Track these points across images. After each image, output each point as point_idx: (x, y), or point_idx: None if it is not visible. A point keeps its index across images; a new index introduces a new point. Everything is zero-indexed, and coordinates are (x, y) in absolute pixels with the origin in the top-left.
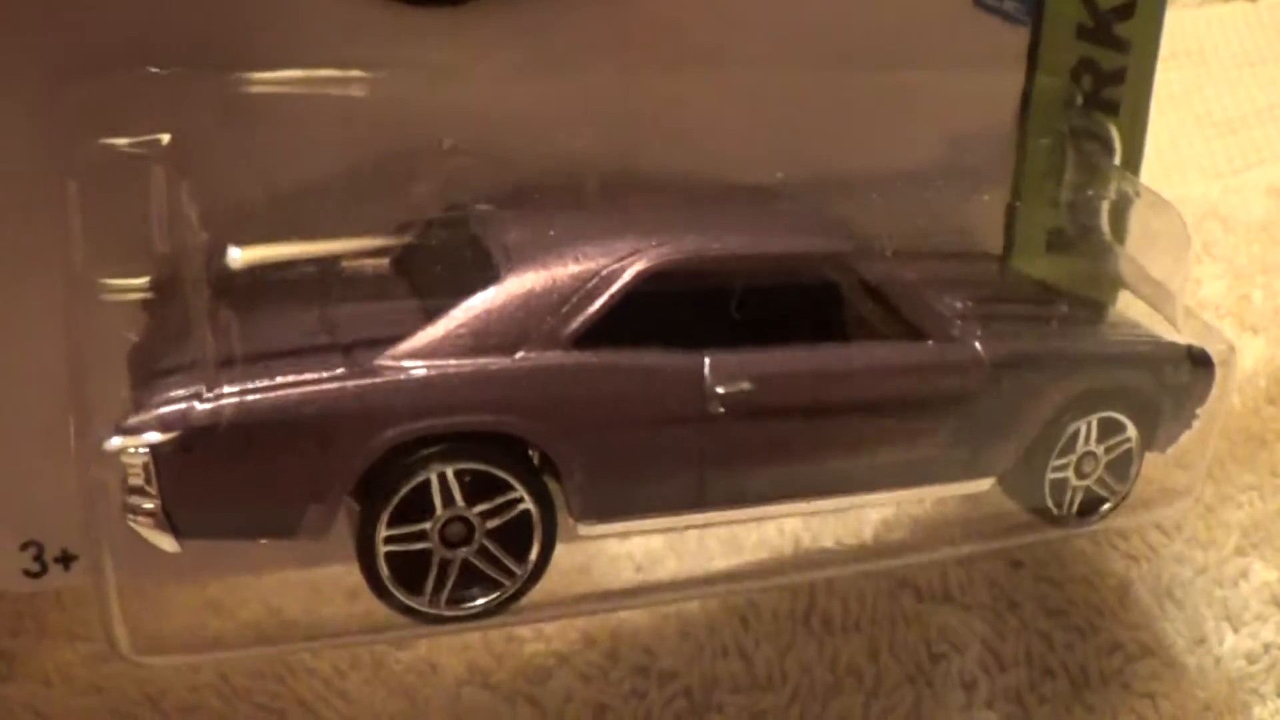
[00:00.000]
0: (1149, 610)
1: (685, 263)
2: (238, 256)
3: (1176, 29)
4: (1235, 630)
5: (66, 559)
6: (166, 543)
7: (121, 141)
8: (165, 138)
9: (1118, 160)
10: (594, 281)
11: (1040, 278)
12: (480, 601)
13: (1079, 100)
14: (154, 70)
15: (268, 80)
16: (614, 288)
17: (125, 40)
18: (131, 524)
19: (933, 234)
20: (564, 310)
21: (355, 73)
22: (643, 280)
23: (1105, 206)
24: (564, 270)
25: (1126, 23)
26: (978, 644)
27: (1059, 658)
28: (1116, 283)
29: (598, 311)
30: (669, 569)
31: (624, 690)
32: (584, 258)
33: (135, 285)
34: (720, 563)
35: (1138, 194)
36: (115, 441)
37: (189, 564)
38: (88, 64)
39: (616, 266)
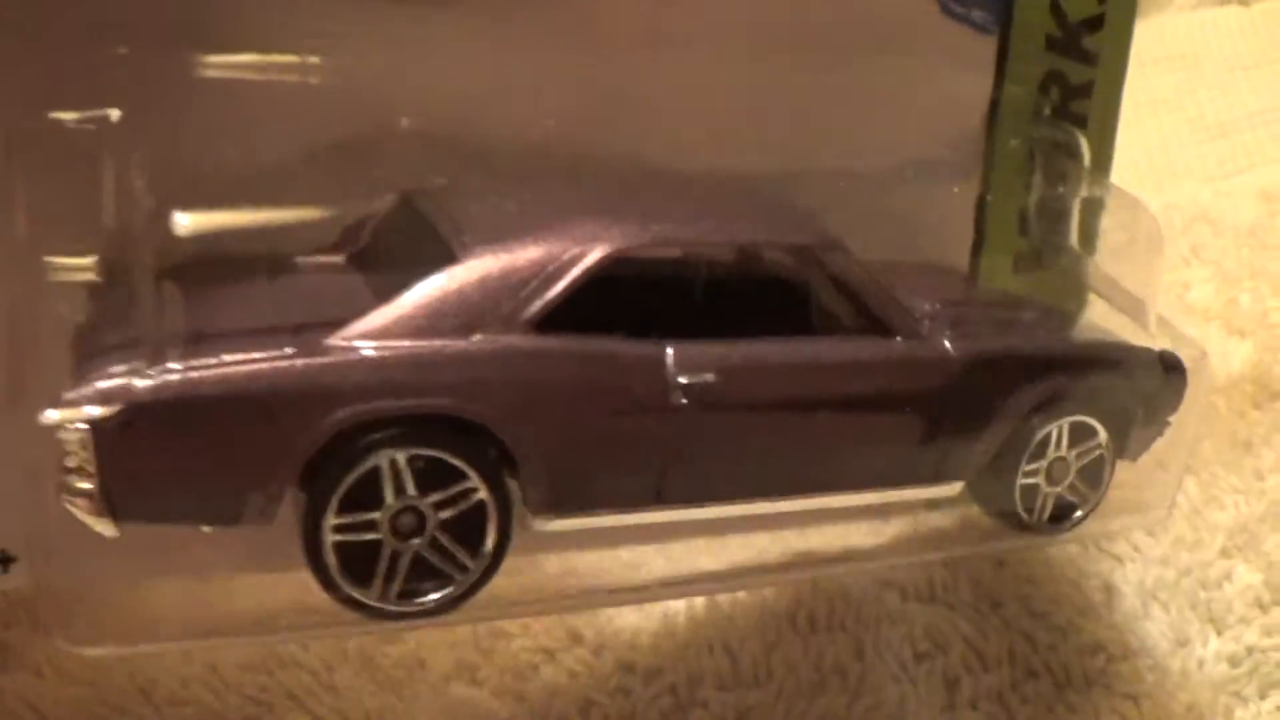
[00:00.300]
0: (1132, 611)
1: (649, 248)
2: (185, 223)
3: (1169, 32)
4: (1219, 633)
5: (5, 560)
6: (104, 527)
7: (69, 116)
8: (114, 113)
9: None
10: (554, 265)
11: (1009, 286)
12: (432, 597)
13: (1047, 112)
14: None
15: (223, 64)
16: (575, 271)
17: (81, 14)
18: (68, 506)
19: (896, 243)
20: (523, 294)
21: (313, 57)
22: (605, 265)
23: (1074, 213)
24: (523, 253)
25: (1095, 35)
26: (961, 643)
27: (1042, 658)
28: (1084, 292)
29: (558, 296)
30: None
31: (610, 687)
32: (544, 240)
33: (81, 265)
34: (706, 561)
35: (1108, 198)
36: (53, 415)
37: (122, 562)
38: (36, 37)
39: (578, 250)
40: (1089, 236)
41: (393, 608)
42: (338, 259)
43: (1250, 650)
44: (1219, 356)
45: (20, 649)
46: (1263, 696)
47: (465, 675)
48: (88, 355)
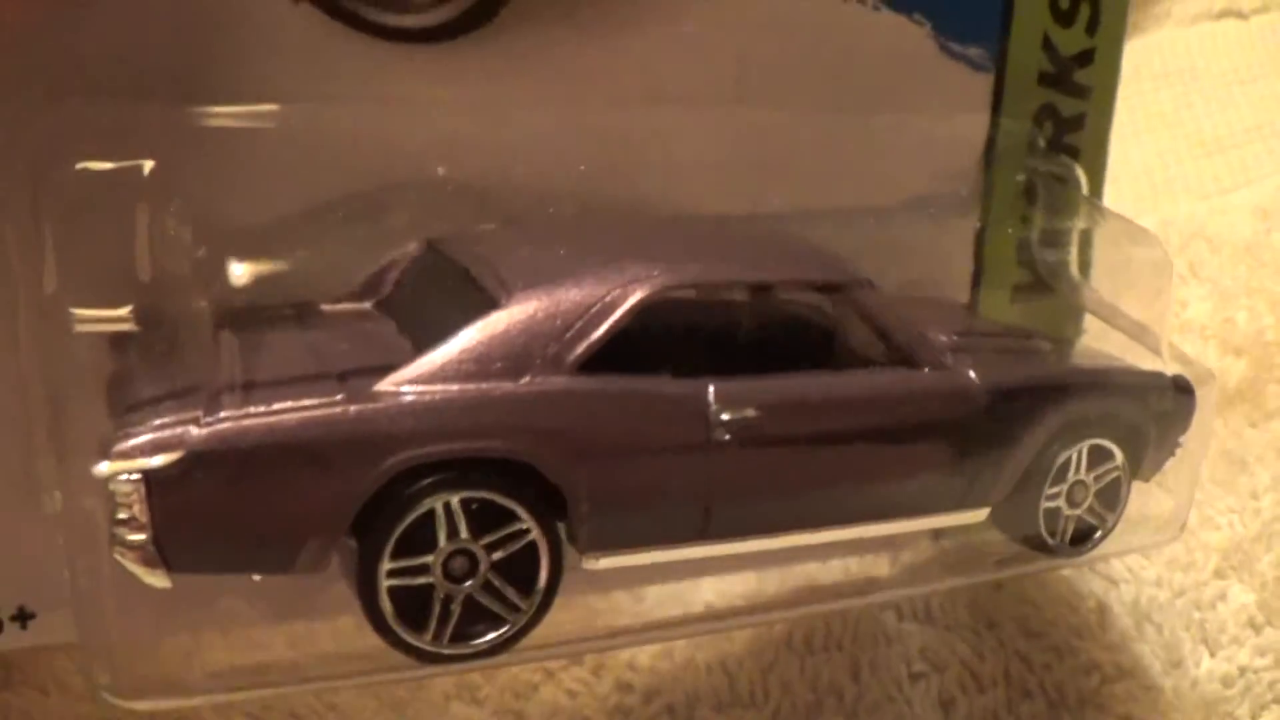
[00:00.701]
0: (1127, 632)
1: (687, 288)
2: (240, 272)
3: (1167, 47)
4: (1212, 653)
5: (24, 617)
6: (156, 578)
7: (101, 167)
8: (148, 164)
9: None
10: (597, 307)
11: (1006, 318)
12: (486, 638)
13: (1041, 145)
14: (132, 100)
15: (249, 114)
16: (617, 313)
17: (106, 68)
18: (119, 558)
19: (900, 283)
20: (568, 336)
21: (339, 107)
22: (646, 306)
23: (1074, 242)
24: (567, 296)
25: (1086, 69)
26: (957, 664)
27: (1037, 678)
28: (1080, 319)
29: (601, 337)
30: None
31: (608, 706)
32: (586, 283)
33: (113, 316)
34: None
35: (1114, 227)
36: (104, 467)
37: (166, 614)
38: (66, 89)
39: (620, 292)
40: (1086, 264)
41: (447, 651)
42: (364, 306)
43: (1243, 670)
44: (1215, 375)
45: (25, 665)
46: (1255, 717)
47: (466, 695)
48: (129, 407)
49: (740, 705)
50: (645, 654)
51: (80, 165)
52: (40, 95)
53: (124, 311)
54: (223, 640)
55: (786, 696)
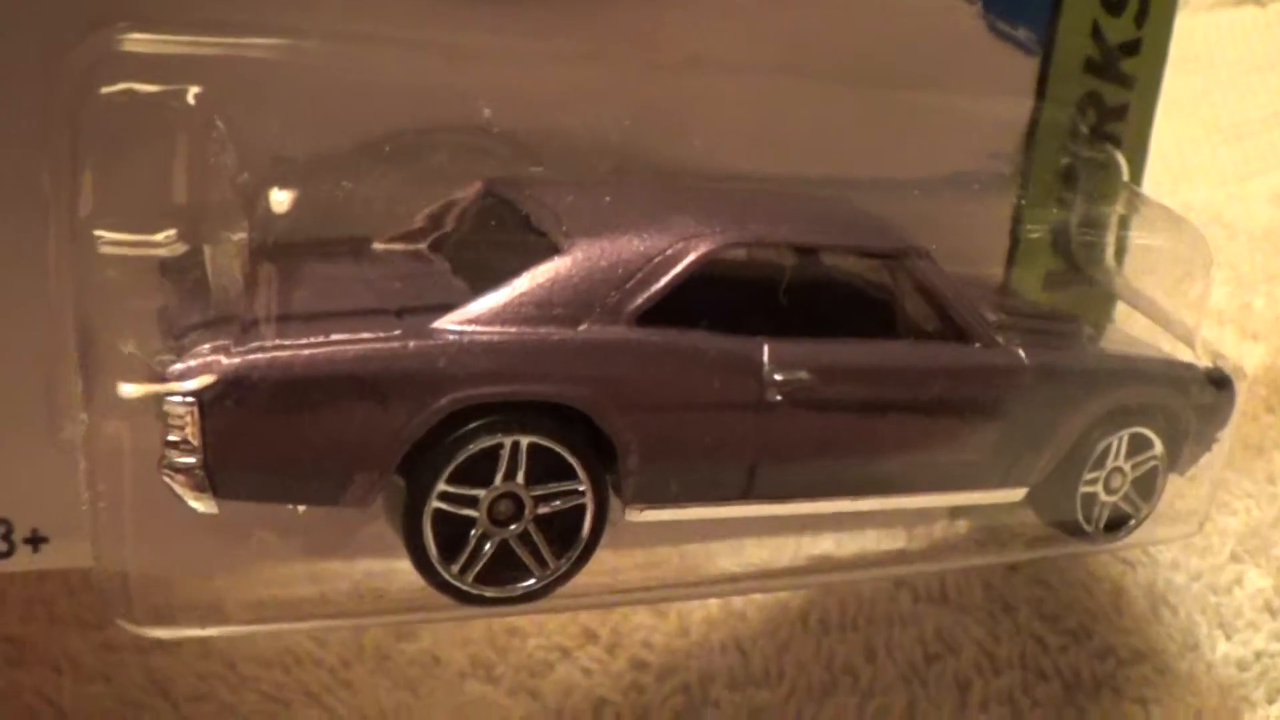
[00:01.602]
0: (1143, 615)
1: (747, 247)
2: (282, 199)
3: (1185, 34)
4: (1228, 637)
5: (36, 540)
6: (203, 503)
7: (145, 89)
8: (192, 90)
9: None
10: (659, 259)
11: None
12: (509, 586)
13: (1084, 133)
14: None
15: (305, 49)
16: (678, 267)
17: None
18: (166, 480)
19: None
20: (629, 286)
21: (382, 48)
22: (706, 262)
23: (1112, 229)
24: (629, 246)
25: (1132, 59)
26: (973, 646)
27: (1052, 661)
28: (1112, 307)
29: (662, 289)
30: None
31: (623, 684)
32: (648, 234)
33: (153, 240)
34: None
35: (1149, 213)
36: (129, 390)
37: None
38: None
39: (683, 245)
40: (1121, 252)
41: (469, 588)
42: (419, 246)
43: (1259, 655)
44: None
45: (39, 645)
46: (1270, 701)
47: (481, 672)
48: (183, 329)
49: (755, 684)
50: (660, 632)
51: (123, 86)
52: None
53: (160, 237)
54: (244, 574)
55: (801, 676)
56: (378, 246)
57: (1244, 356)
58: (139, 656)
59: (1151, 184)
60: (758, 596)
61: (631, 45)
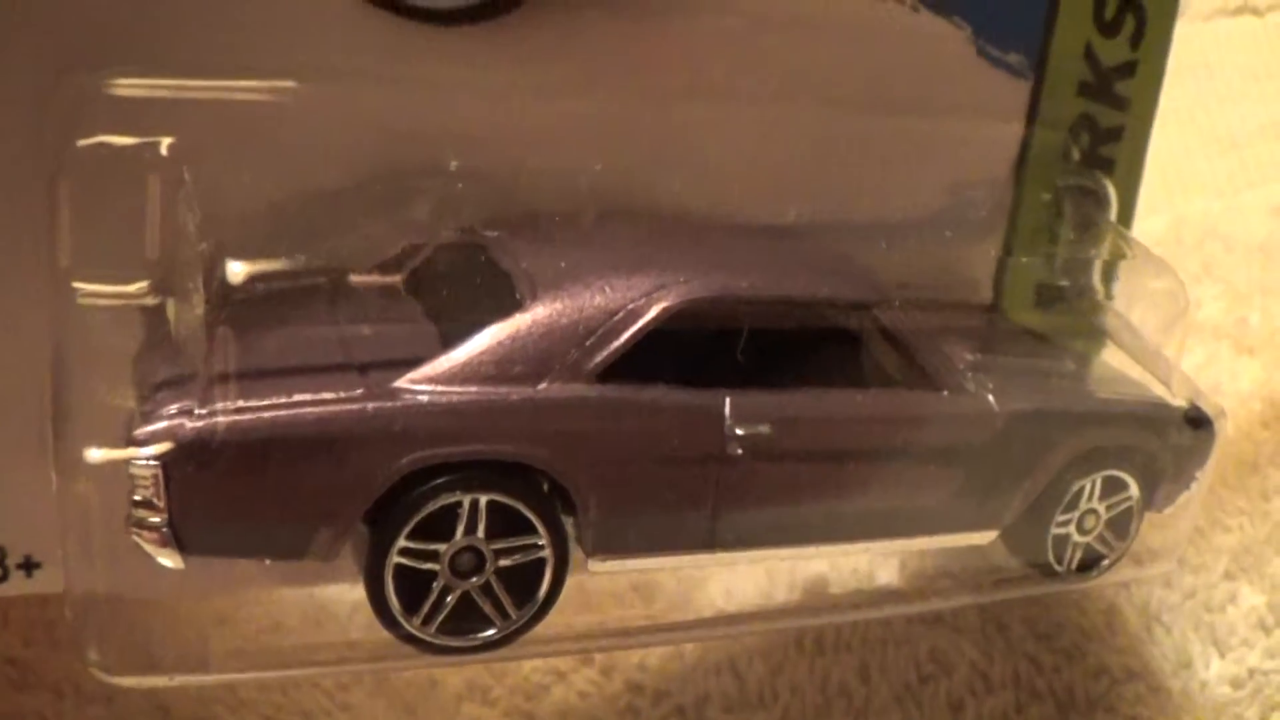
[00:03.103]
0: (1136, 634)
1: (710, 301)
2: (238, 270)
3: (1182, 43)
4: (1221, 655)
5: (29, 565)
6: (171, 559)
7: (119, 141)
8: (164, 141)
9: (1113, 216)
10: (620, 315)
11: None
12: (472, 636)
13: (1075, 156)
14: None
15: (274, 90)
16: (639, 323)
17: (126, 42)
18: (135, 538)
19: (926, 280)
20: (588, 343)
21: (365, 87)
22: (668, 317)
23: (1098, 263)
24: (590, 302)
25: (1127, 81)
26: (966, 666)
27: (1046, 680)
28: (1102, 337)
29: (622, 346)
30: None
31: (619, 707)
32: (610, 290)
33: (126, 292)
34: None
35: (1133, 253)
36: (96, 455)
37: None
38: (82, 63)
39: (643, 302)
40: (1111, 284)
41: (431, 639)
42: (394, 280)
43: (1252, 673)
44: (1228, 375)
45: (41, 668)
46: (1264, 719)
47: (477, 696)
48: (153, 387)
49: (750, 707)
50: (655, 655)
51: (98, 140)
52: (60, 68)
53: (132, 288)
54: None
55: (796, 698)
56: (355, 280)
57: (1240, 372)
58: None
59: (1147, 196)
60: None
61: (621, 75)
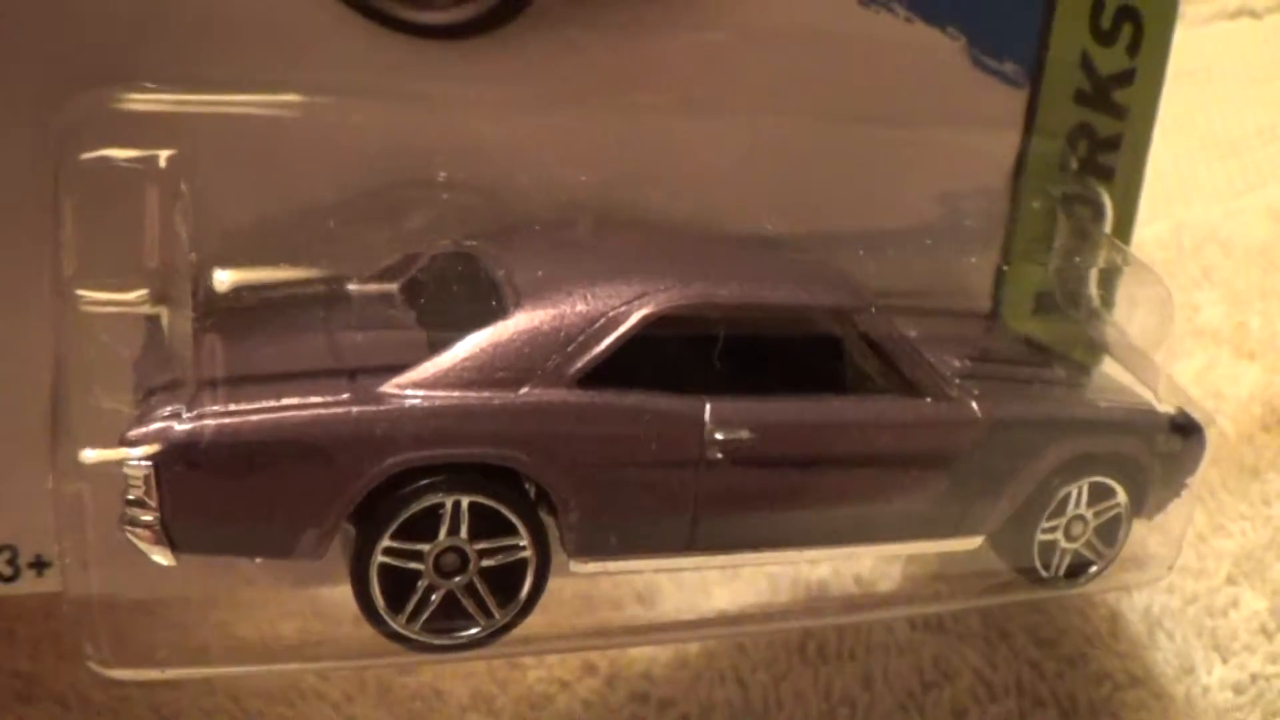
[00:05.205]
0: (1138, 640)
1: (692, 308)
2: (224, 279)
3: (1180, 47)
4: (1224, 660)
5: (40, 565)
6: (162, 556)
7: (118, 155)
8: (163, 154)
9: (1109, 227)
10: (601, 322)
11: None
12: (456, 634)
13: (1073, 165)
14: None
15: (267, 104)
16: (620, 330)
17: (124, 56)
18: (129, 536)
19: (923, 289)
20: (570, 349)
21: (356, 101)
22: (649, 324)
23: (1094, 273)
24: (572, 310)
25: (1126, 89)
26: (969, 673)
27: (1049, 687)
28: (1100, 347)
29: (603, 352)
30: (670, 607)
31: (623, 717)
32: (592, 298)
33: (126, 300)
34: (722, 603)
35: (1127, 263)
36: (90, 455)
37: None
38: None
39: (624, 309)
40: (1108, 295)
41: (415, 636)
42: (390, 288)
43: (1255, 678)
44: (1228, 380)
45: (47, 680)
46: None
47: (482, 706)
48: (149, 390)
49: (754, 715)
50: (660, 664)
51: (100, 153)
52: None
53: (132, 296)
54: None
55: (800, 706)
56: (353, 288)
57: (1239, 376)
58: (145, 692)
59: (1146, 200)
60: (754, 627)
61: (609, 87)
